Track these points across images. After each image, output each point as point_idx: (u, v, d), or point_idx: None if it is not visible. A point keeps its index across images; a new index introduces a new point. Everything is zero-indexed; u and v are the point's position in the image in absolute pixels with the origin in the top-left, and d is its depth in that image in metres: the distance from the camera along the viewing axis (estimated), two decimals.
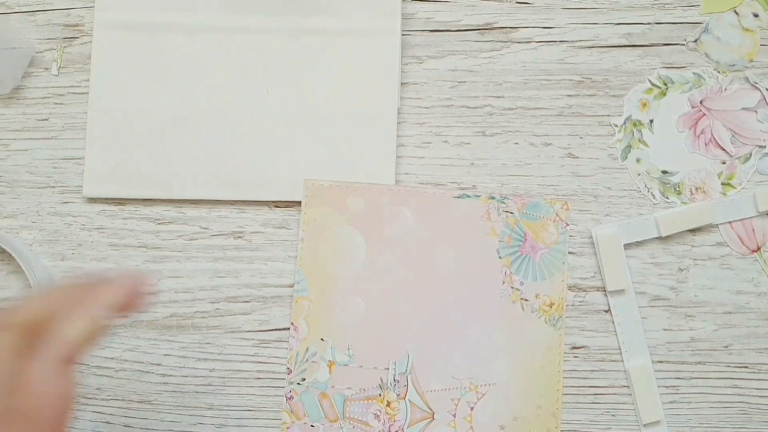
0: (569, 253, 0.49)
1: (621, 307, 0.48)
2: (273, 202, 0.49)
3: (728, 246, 0.49)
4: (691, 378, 0.48)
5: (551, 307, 0.48)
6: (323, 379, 0.47)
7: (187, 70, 0.49)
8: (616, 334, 0.48)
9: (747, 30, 0.50)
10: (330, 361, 0.47)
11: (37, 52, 0.50)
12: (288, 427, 0.47)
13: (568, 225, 0.48)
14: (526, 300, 0.48)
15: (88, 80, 0.50)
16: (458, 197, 0.48)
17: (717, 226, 0.49)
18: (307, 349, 0.47)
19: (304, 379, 0.47)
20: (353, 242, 0.48)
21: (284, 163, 0.49)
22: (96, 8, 0.50)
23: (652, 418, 0.47)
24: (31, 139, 0.50)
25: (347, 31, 0.50)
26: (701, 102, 0.50)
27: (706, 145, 0.50)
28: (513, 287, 0.48)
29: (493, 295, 0.47)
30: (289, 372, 0.47)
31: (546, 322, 0.47)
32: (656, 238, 0.48)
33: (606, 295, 0.48)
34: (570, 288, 0.48)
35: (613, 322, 0.48)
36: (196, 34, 0.50)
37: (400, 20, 0.49)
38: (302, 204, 0.48)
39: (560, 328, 0.47)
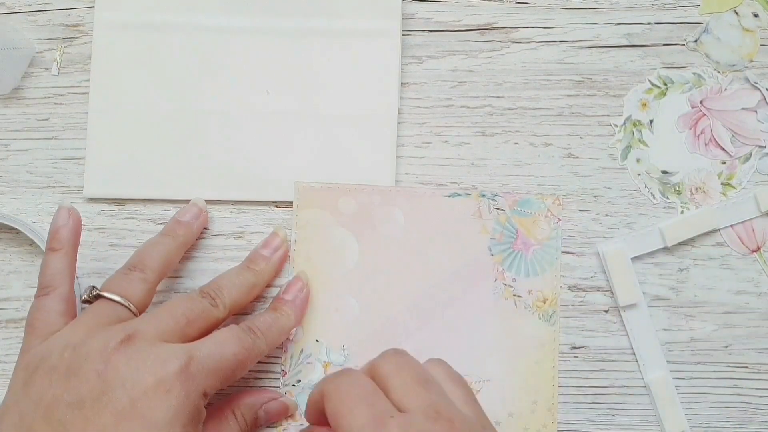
0: (569, 253, 0.49)
1: (635, 321, 0.48)
2: (273, 202, 0.49)
3: (728, 246, 0.49)
4: (691, 378, 0.48)
5: (545, 302, 0.48)
6: (319, 379, 0.47)
7: (187, 71, 0.49)
8: (632, 348, 0.48)
9: (747, 30, 0.50)
10: (325, 361, 0.47)
11: (37, 52, 0.50)
12: (284, 429, 0.47)
13: (560, 220, 0.48)
14: (519, 296, 0.48)
15: (88, 80, 0.50)
16: (449, 196, 0.48)
17: None
18: (302, 350, 0.47)
19: (299, 381, 0.47)
20: (346, 243, 0.48)
21: (284, 163, 0.49)
22: (96, 8, 0.50)
23: (677, 430, 0.47)
24: (31, 139, 0.50)
25: (347, 31, 0.50)
26: (701, 102, 0.50)
27: (706, 145, 0.50)
28: (506, 284, 0.48)
29: (486, 293, 0.47)
30: (284, 374, 0.47)
31: (540, 318, 0.47)
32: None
33: (606, 296, 0.48)
34: (570, 288, 0.48)
35: (628, 336, 0.48)
36: (197, 35, 0.50)
37: (400, 20, 0.49)
38: (294, 206, 0.48)
39: (555, 323, 0.47)
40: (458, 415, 0.35)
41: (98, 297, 0.41)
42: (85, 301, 0.41)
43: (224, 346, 0.40)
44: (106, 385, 0.36)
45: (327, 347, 0.47)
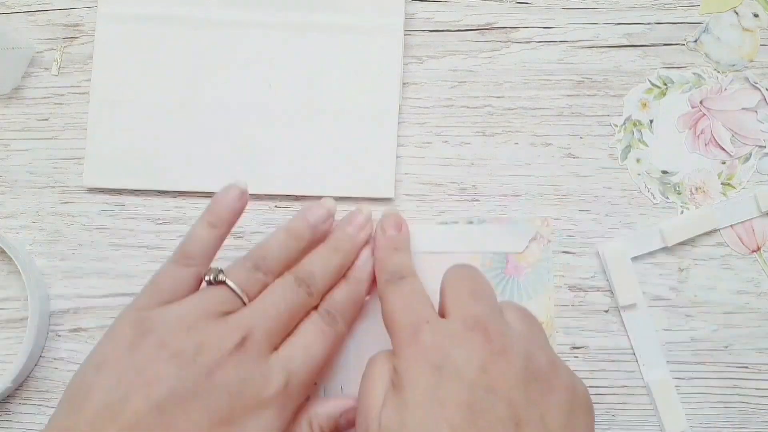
0: (569, 252, 0.49)
1: (635, 321, 0.48)
2: (273, 201, 0.49)
3: (728, 246, 0.49)
4: (691, 378, 0.48)
5: None
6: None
7: (190, 64, 0.49)
8: (632, 348, 0.48)
9: (747, 30, 0.50)
10: None
11: (37, 52, 0.50)
12: None
13: (550, 242, 0.48)
14: None
15: (88, 80, 0.50)
16: (440, 224, 0.48)
17: None
18: None
19: None
20: None
21: (285, 158, 0.49)
22: (99, 1, 0.50)
23: (677, 430, 0.47)
24: (31, 139, 0.50)
25: (350, 27, 0.50)
26: (701, 102, 0.50)
27: (706, 145, 0.50)
28: None
29: None
30: None
31: None
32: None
33: (606, 296, 0.48)
34: (570, 288, 0.48)
35: (628, 336, 0.48)
36: (200, 29, 0.50)
37: (403, 17, 0.49)
38: None
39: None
40: (498, 326, 0.36)
41: (221, 283, 0.40)
42: (208, 283, 0.41)
43: (313, 350, 0.40)
44: (211, 388, 0.36)
45: (324, 389, 0.46)
